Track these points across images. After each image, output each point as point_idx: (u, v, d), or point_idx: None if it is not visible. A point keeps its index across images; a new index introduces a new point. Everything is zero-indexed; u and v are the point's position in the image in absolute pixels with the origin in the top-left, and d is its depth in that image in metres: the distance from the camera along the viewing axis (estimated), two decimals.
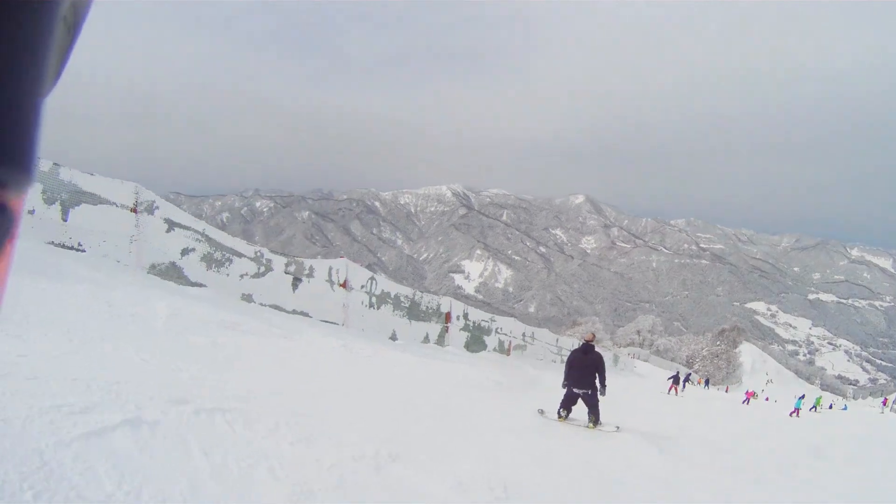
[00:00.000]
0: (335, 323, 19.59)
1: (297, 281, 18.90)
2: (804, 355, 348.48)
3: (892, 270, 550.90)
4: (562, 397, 13.47)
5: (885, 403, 65.28)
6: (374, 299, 21.66)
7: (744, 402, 46.58)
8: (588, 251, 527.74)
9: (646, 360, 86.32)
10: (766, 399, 66.69)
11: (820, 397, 61.41)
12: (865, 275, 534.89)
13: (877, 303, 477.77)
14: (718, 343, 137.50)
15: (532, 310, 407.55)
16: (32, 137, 0.59)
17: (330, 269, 20.13)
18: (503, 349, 28.87)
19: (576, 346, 18.26)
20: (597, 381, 13.16)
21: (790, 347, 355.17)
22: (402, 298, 23.04)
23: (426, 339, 23.90)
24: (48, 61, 0.62)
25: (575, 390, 13.13)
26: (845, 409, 56.22)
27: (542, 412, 13.56)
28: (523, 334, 31.77)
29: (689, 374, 67.72)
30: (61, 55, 0.71)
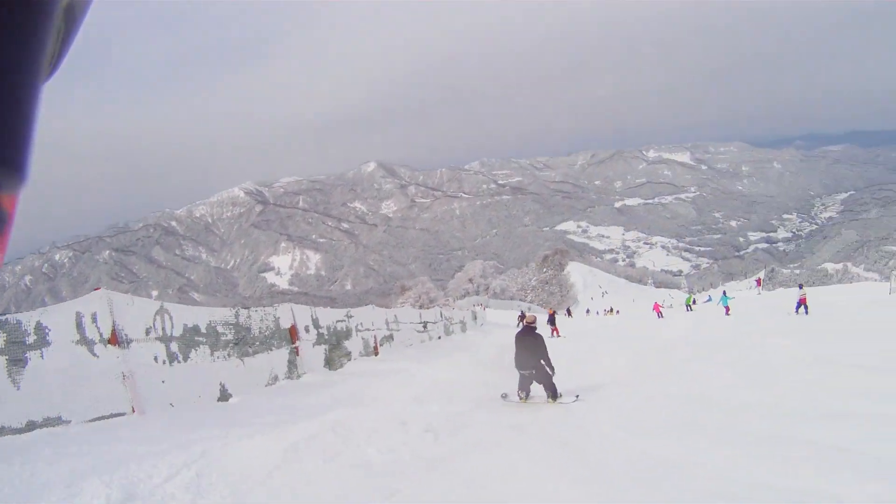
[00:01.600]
0: (119, 414, 9.79)
1: (15, 364, 8.90)
2: (623, 260, 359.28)
3: (691, 162, 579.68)
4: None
5: (759, 284, 67.80)
6: (174, 346, 11.44)
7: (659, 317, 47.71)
8: (390, 215, 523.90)
9: (488, 307, 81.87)
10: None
11: (689, 296, 65.85)
12: (666, 172, 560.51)
13: (682, 195, 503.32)
14: (545, 270, 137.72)
15: (349, 287, 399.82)
16: (26, 135, 0.58)
17: (78, 317, 9.46)
18: (369, 350, 21.30)
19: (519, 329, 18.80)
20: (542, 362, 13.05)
21: (608, 257, 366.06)
22: (219, 328, 12.81)
23: (273, 380, 14.74)
24: (43, 59, 0.61)
25: (521, 372, 13.28)
26: (725, 298, 54.49)
27: (504, 396, 13.88)
28: (386, 321, 24.11)
29: (529, 307, 65.04)
30: (57, 50, 0.69)
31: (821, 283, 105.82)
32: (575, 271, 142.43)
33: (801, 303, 30.18)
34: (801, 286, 33.41)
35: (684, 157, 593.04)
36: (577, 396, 12.96)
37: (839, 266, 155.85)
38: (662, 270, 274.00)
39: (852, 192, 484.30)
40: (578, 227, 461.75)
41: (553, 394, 12.89)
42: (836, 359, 14.44)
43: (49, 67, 0.67)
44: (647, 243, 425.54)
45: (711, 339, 23.48)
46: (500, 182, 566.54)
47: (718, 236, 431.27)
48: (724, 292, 45.37)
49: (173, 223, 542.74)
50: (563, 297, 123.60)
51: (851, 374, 12.39)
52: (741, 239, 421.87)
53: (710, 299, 71.92)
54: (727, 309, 38.44)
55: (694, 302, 62.04)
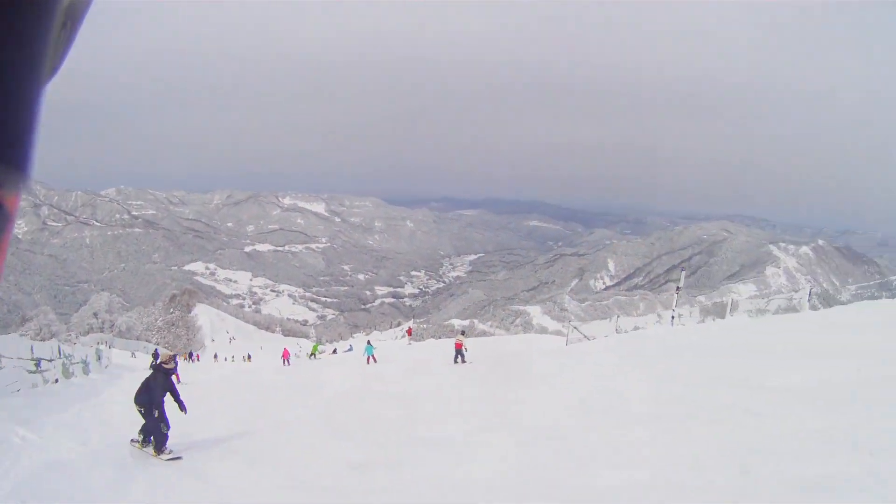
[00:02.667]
0: None
1: None
2: (249, 306, 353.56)
3: (326, 213, 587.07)
4: None
5: (410, 334, 63.84)
6: None
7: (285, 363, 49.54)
8: (20, 236, 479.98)
9: (111, 346, 74.91)
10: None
11: (316, 344, 69.56)
12: (299, 220, 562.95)
13: (313, 245, 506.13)
14: (172, 310, 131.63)
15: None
16: (29, 135, 0.58)
17: None
18: None
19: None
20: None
21: (235, 301, 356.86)
22: None
23: None
24: (45, 58, 0.62)
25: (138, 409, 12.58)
26: (370, 348, 53.92)
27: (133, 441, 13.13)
28: None
29: (157, 349, 60.41)
30: (58, 51, 0.71)
31: (449, 335, 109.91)
32: (203, 314, 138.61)
33: (458, 349, 31.46)
34: (463, 332, 37.22)
35: (319, 208, 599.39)
36: (178, 457, 12.29)
37: (466, 322, 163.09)
38: (288, 319, 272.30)
39: (482, 255, 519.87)
40: (207, 268, 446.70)
41: (159, 445, 12.28)
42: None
43: (51, 68, 0.67)
44: (274, 290, 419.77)
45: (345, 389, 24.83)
46: (133, 213, 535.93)
47: (346, 288, 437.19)
48: (369, 342, 45.27)
49: None
50: (189, 339, 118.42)
51: None
52: (368, 292, 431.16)
53: (350, 348, 71.97)
54: (371, 358, 38.47)
55: (322, 352, 64.17)
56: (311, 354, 58.25)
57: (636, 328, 39.33)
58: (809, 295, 35.90)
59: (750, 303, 37.01)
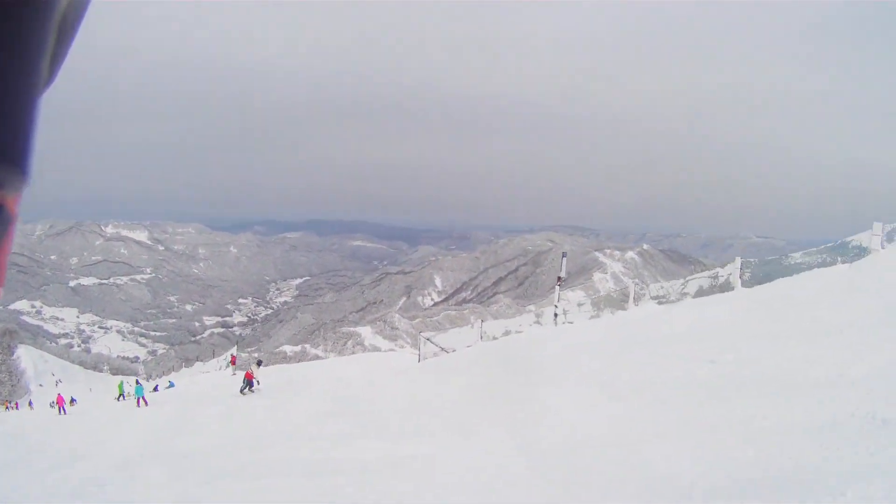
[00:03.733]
0: None
1: None
2: (79, 345, 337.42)
3: (149, 242, 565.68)
4: None
5: (234, 363, 58.54)
6: None
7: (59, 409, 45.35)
8: None
9: None
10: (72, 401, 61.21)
11: (121, 382, 59.16)
12: (123, 251, 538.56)
13: (138, 276, 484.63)
14: None
15: None
16: (28, 136, 0.59)
17: None
18: None
19: None
20: None
21: (63, 341, 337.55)
22: None
23: None
24: (44, 59, 0.63)
25: None
26: (172, 385, 56.85)
27: None
28: None
29: None
30: (58, 53, 0.72)
31: (282, 362, 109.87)
32: (26, 356, 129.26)
33: (248, 378, 31.62)
34: (259, 363, 35.23)
35: (142, 236, 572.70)
36: None
37: (297, 348, 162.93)
38: (119, 356, 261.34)
39: (308, 278, 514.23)
40: (33, 306, 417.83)
41: None
42: None
43: (50, 70, 0.69)
44: (102, 327, 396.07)
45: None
46: None
47: (174, 320, 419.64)
48: (137, 381, 44.87)
49: None
50: (14, 385, 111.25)
51: None
52: (197, 323, 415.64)
53: (172, 385, 66.91)
54: (142, 400, 35.31)
55: (127, 393, 55.87)
56: (118, 396, 53.08)
57: (507, 332, 35.49)
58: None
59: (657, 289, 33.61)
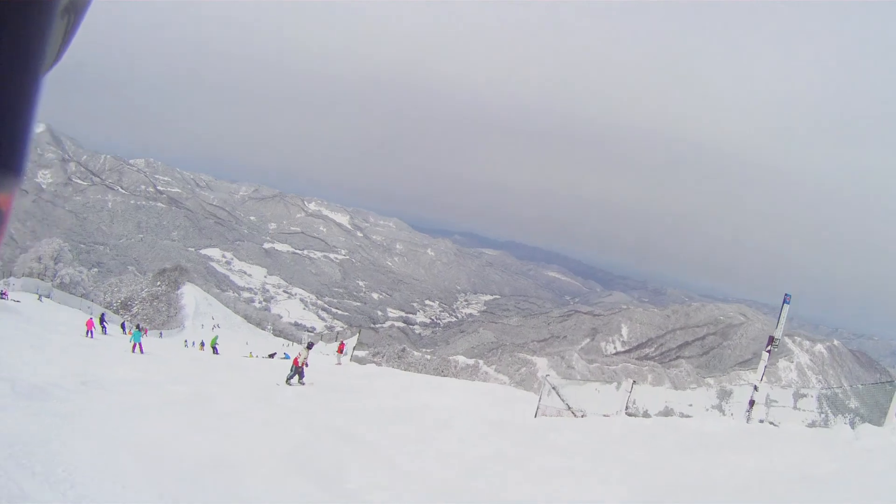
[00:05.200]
0: None
1: None
2: (259, 303, 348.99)
3: (349, 226, 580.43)
4: None
5: (341, 350, 52.80)
6: None
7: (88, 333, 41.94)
8: (44, 186, 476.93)
9: (46, 295, 75.23)
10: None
11: (216, 337, 60.77)
12: (322, 228, 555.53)
13: (332, 255, 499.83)
14: (159, 283, 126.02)
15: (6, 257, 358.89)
16: (23, 135, 0.59)
17: None
18: None
19: None
20: None
21: (245, 294, 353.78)
22: None
23: None
24: (43, 57, 0.61)
25: None
26: (287, 357, 52.81)
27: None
28: None
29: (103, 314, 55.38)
30: (54, 50, 0.72)
31: (447, 372, 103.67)
32: (189, 293, 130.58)
33: (295, 365, 26.79)
34: (310, 345, 29.06)
35: (343, 220, 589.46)
36: None
37: (471, 361, 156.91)
38: (295, 323, 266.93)
39: (498, 296, 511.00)
40: (223, 256, 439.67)
41: None
42: None
43: (48, 65, 0.68)
44: (286, 291, 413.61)
45: None
46: (159, 188, 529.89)
47: (358, 304, 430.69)
48: (138, 326, 42.29)
49: None
50: (170, 316, 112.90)
51: None
52: (380, 312, 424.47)
53: (287, 356, 59.53)
54: (137, 346, 34.07)
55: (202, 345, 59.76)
56: (212, 345, 54.37)
57: (668, 412, 24.92)
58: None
59: None
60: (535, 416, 24.38)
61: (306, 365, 26.16)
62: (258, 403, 18.05)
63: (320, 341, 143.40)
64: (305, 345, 29.08)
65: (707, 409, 25.92)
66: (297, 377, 25.51)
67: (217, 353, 35.84)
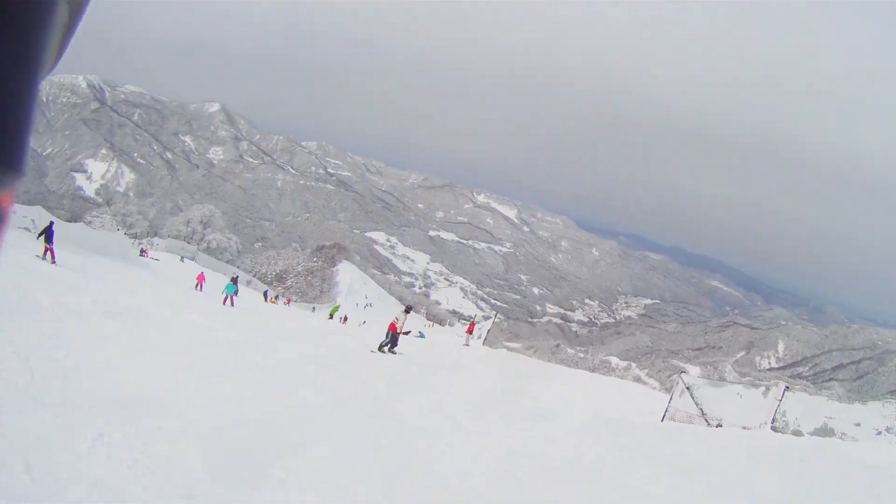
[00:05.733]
0: None
1: None
2: (420, 288, 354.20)
3: (516, 220, 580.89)
4: None
5: (470, 332, 48.41)
6: None
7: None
8: (215, 162, 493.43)
9: (191, 258, 77.22)
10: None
11: (337, 306, 65.21)
12: (488, 220, 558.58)
13: (496, 247, 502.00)
14: (316, 259, 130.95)
15: (152, 216, 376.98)
16: (23, 132, 0.59)
17: None
18: None
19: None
20: None
21: (406, 279, 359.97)
22: None
23: None
24: (43, 57, 0.62)
25: None
26: (422, 336, 48.92)
27: None
28: None
29: (237, 276, 53.18)
30: (56, 49, 0.70)
31: (599, 371, 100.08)
32: (345, 271, 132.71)
33: (392, 331, 24.12)
34: (408, 308, 25.45)
35: (510, 213, 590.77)
36: None
37: (624, 363, 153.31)
38: (454, 311, 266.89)
39: (658, 301, 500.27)
40: (388, 240, 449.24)
41: None
42: None
43: (48, 66, 0.67)
44: (448, 279, 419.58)
45: None
46: (329, 170, 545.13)
47: (518, 297, 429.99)
48: (234, 278, 39.03)
49: None
50: (322, 291, 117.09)
51: None
52: (538, 307, 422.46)
53: (422, 335, 60.08)
54: (229, 298, 33.28)
55: (344, 319, 58.53)
56: (331, 314, 55.21)
57: (825, 430, 21.21)
58: None
59: None
60: (662, 419, 20.45)
61: (405, 333, 24.03)
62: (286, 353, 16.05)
63: (458, 321, 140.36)
64: (404, 308, 25.12)
65: (879, 433, 20.94)
66: (389, 345, 22.70)
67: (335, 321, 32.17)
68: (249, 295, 61.54)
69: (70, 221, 77.78)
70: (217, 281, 55.99)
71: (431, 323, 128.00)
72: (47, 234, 23.25)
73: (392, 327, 22.79)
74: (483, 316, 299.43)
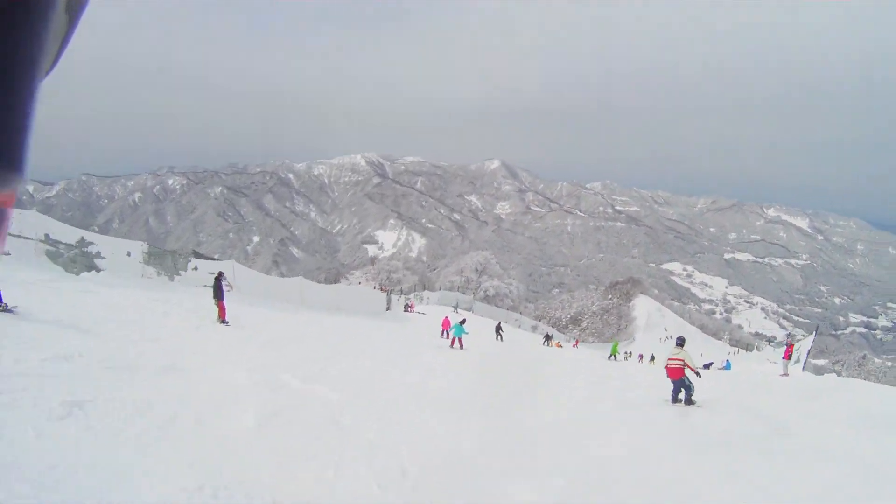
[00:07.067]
0: None
1: None
2: (721, 314, 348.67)
3: (808, 230, 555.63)
4: None
5: (787, 356, 35.86)
6: None
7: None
8: (503, 217, 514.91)
9: (468, 308, 72.82)
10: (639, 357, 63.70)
11: (616, 343, 58.92)
12: (782, 234, 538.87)
13: (793, 261, 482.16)
14: (610, 297, 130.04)
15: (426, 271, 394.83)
16: (24, 132, 0.58)
17: None
18: None
19: None
20: None
21: (706, 307, 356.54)
22: None
23: None
24: (42, 56, 0.61)
25: None
26: (728, 367, 49.12)
27: None
28: None
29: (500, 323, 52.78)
30: (56, 47, 0.70)
31: None
32: (641, 305, 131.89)
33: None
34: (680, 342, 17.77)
35: (803, 223, 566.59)
36: None
37: None
38: (756, 333, 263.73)
39: None
40: (684, 270, 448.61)
41: None
42: None
43: (47, 66, 0.67)
44: (748, 301, 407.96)
45: None
46: (617, 208, 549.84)
47: (819, 310, 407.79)
48: (463, 321, 32.32)
49: (290, 175, 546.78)
50: (620, 329, 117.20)
51: None
52: (841, 318, 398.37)
53: (728, 366, 57.12)
54: (458, 342, 30.18)
55: (627, 355, 58.17)
56: (610, 356, 49.04)
57: None
58: None
59: None
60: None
61: (705, 367, 16.50)
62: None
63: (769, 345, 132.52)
64: (675, 342, 17.99)
65: None
66: (685, 394, 16.30)
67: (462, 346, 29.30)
68: (526, 337, 62.69)
69: (327, 282, 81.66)
70: (477, 323, 54.65)
71: (736, 349, 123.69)
72: (216, 289, 21.81)
73: (675, 372, 16.30)
74: (787, 335, 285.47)
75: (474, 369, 21.90)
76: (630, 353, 73.16)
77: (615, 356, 49.97)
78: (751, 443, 11.41)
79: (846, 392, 20.06)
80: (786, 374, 31.08)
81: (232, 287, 23.91)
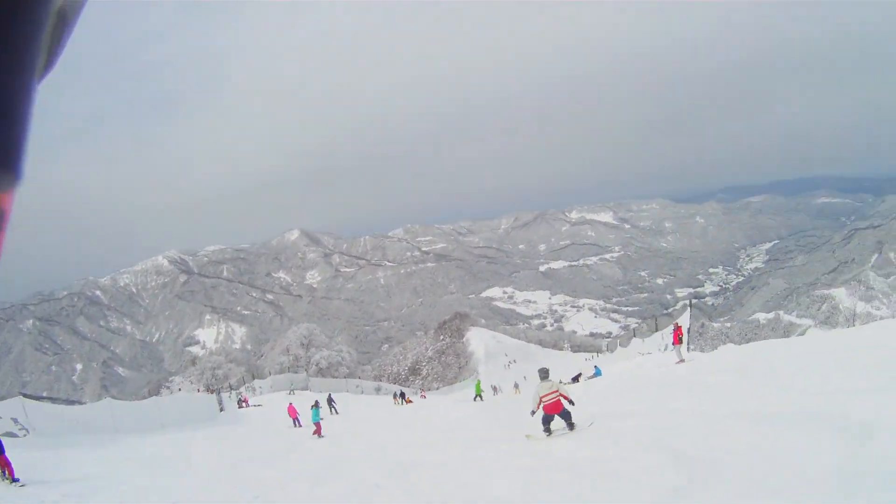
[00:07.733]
0: None
1: None
2: (551, 325, 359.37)
3: (615, 222, 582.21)
4: None
5: (677, 340, 30.94)
6: None
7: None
8: (314, 286, 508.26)
9: (303, 388, 68.70)
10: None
11: (478, 382, 55.99)
12: (590, 233, 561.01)
13: (607, 256, 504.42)
14: (442, 338, 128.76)
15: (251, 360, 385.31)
16: (21, 133, 0.58)
17: None
18: None
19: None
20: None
21: (536, 322, 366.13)
22: None
23: None
24: (38, 59, 0.62)
25: None
26: (598, 373, 43.41)
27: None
28: None
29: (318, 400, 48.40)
30: (53, 48, 0.70)
31: (753, 334, 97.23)
32: (475, 338, 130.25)
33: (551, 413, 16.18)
34: (544, 374, 15.97)
35: (607, 217, 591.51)
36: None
37: (770, 315, 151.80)
38: (591, 333, 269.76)
39: (776, 241, 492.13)
40: (504, 292, 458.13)
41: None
42: None
43: (43, 68, 0.68)
44: (574, 306, 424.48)
45: None
46: (423, 249, 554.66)
47: (646, 295, 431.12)
48: (316, 403, 31.15)
49: (98, 292, 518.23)
50: (461, 368, 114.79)
51: None
52: (669, 296, 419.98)
53: (599, 372, 47.32)
54: (318, 427, 27.82)
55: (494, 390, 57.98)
56: (474, 397, 48.37)
57: None
58: None
59: None
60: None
61: (570, 402, 14.86)
62: None
63: (619, 346, 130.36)
64: (539, 376, 16.07)
65: None
66: (560, 423, 15.35)
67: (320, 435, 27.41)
68: (377, 402, 58.19)
69: (151, 395, 74.64)
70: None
71: (594, 354, 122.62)
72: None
73: (555, 407, 15.05)
74: (620, 327, 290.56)
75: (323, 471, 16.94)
76: (496, 387, 69.67)
77: (480, 396, 48.56)
78: None
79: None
80: (682, 361, 28.09)
81: None
